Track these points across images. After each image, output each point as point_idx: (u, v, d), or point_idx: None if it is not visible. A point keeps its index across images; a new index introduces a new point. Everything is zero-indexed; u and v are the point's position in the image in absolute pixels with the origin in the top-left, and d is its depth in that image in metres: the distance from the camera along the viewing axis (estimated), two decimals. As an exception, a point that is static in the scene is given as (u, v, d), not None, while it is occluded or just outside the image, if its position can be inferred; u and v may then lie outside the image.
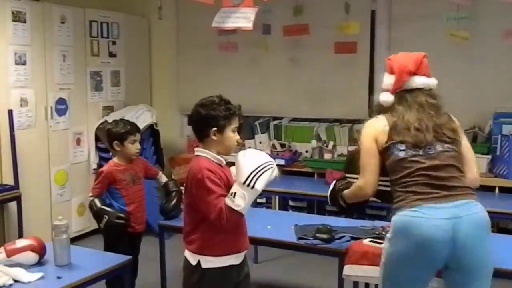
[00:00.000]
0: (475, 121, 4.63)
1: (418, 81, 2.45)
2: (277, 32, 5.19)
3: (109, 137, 3.46)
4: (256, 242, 3.40)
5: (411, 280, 2.30)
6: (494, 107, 4.50)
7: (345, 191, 2.70)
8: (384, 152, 2.39)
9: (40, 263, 2.74)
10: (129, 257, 2.90)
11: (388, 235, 2.34)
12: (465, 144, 2.45)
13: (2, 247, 2.74)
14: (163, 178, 3.70)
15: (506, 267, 2.55)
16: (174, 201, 3.55)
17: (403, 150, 2.33)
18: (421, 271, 2.28)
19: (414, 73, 2.44)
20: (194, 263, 2.37)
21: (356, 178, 2.56)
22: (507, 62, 4.51)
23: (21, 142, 4.48)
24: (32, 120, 4.65)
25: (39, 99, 4.70)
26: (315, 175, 5.02)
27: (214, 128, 2.35)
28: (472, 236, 2.20)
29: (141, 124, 4.76)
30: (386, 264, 2.34)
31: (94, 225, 3.94)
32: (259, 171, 2.22)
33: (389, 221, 3.39)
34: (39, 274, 2.58)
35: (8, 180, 4.40)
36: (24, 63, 4.55)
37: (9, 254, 2.68)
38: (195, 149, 2.44)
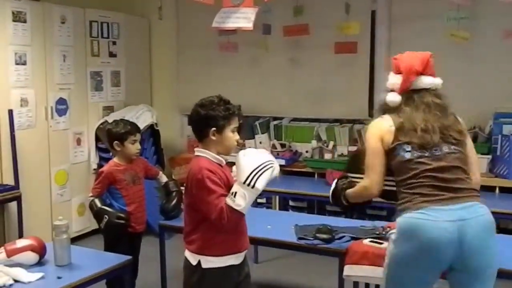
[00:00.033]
0: (475, 121, 4.63)
1: (425, 81, 2.43)
2: (277, 32, 5.19)
3: (110, 137, 3.46)
4: (257, 242, 3.40)
5: (416, 281, 2.29)
6: (494, 107, 4.50)
7: (349, 191, 2.68)
8: (390, 153, 2.37)
9: (40, 263, 2.74)
10: (129, 257, 2.90)
11: (393, 236, 2.32)
12: (470, 146, 2.44)
13: (2, 247, 2.74)
14: (164, 178, 3.70)
15: (507, 268, 2.54)
16: (174, 201, 3.55)
17: (409, 151, 2.32)
18: (426, 273, 2.27)
19: (421, 73, 2.42)
20: (194, 263, 2.37)
21: (360, 178, 2.55)
22: (507, 62, 4.51)
23: (22, 142, 4.48)
24: (32, 120, 4.65)
25: (39, 99, 4.70)
26: (315, 175, 5.02)
27: (213, 128, 2.35)
28: (478, 238, 2.19)
29: (141, 124, 4.76)
30: (390, 265, 2.33)
31: (94, 225, 3.94)
32: (259, 170, 2.22)
33: (389, 221, 3.40)
34: (39, 274, 2.58)
35: (8, 180, 4.40)
36: (24, 63, 4.56)
37: (9, 254, 2.69)
38: (195, 149, 2.44)
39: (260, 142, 5.49)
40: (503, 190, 4.27)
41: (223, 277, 2.38)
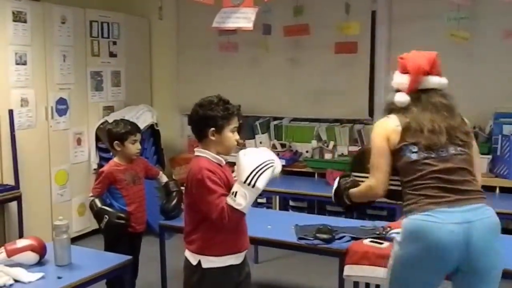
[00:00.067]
0: (476, 121, 4.62)
1: (433, 81, 2.41)
2: (278, 32, 5.19)
3: (110, 137, 3.46)
4: (257, 242, 3.40)
5: (420, 283, 2.28)
6: (495, 107, 4.50)
7: (352, 190, 2.65)
8: (396, 153, 2.35)
9: (40, 263, 2.74)
10: (129, 257, 2.90)
11: (398, 238, 2.30)
12: (475, 147, 2.42)
13: (2, 247, 2.75)
14: (164, 178, 3.70)
15: (510, 268, 2.52)
16: (174, 201, 3.56)
17: (416, 152, 2.29)
18: (431, 275, 2.25)
19: (428, 73, 2.40)
20: (194, 263, 2.37)
21: (364, 177, 2.53)
22: (507, 62, 4.51)
23: (22, 142, 4.48)
24: (33, 120, 4.66)
25: (39, 99, 4.71)
26: (316, 175, 5.02)
27: (212, 128, 2.35)
28: (484, 240, 2.18)
29: (142, 124, 4.76)
30: (395, 267, 2.31)
31: (95, 225, 3.94)
32: (259, 170, 2.22)
33: (390, 221, 3.40)
34: (40, 274, 2.58)
35: (9, 180, 4.40)
36: (24, 63, 4.56)
37: (10, 254, 2.69)
38: (195, 149, 2.44)
39: (260, 142, 5.49)
40: (503, 190, 4.27)
41: (224, 277, 2.38)
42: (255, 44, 5.29)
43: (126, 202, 3.39)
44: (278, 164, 2.33)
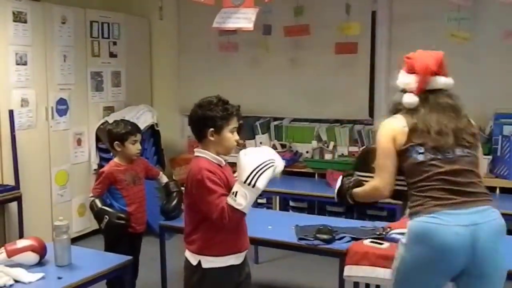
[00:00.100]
0: (476, 121, 4.57)
1: (440, 81, 2.39)
2: (278, 33, 5.19)
3: (110, 138, 3.46)
4: (257, 242, 3.40)
5: (425, 286, 2.26)
6: (495, 108, 4.50)
7: (356, 190, 2.60)
8: (402, 154, 2.32)
9: (40, 263, 2.74)
10: (129, 257, 2.90)
11: (403, 240, 2.29)
12: (480, 149, 2.41)
13: (2, 248, 2.75)
14: (164, 179, 3.70)
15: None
16: (174, 202, 3.56)
17: (422, 153, 2.27)
18: (436, 278, 2.24)
19: (436, 73, 2.38)
20: (194, 263, 2.37)
21: (369, 177, 2.50)
22: (507, 63, 4.51)
23: (22, 142, 4.48)
24: (33, 121, 4.66)
25: (39, 100, 4.71)
26: (316, 176, 5.02)
27: (211, 129, 2.35)
28: (491, 242, 2.18)
29: (142, 125, 4.76)
30: (399, 269, 2.30)
31: (95, 226, 3.95)
32: (260, 169, 2.22)
33: (390, 221, 3.40)
34: (40, 275, 2.58)
35: (9, 180, 4.40)
36: (25, 64, 4.56)
37: (10, 254, 2.69)
38: (195, 149, 2.44)
39: (261, 143, 5.49)
40: (504, 190, 4.26)
41: (224, 277, 2.38)
42: (256, 44, 5.29)
43: (126, 202, 3.39)
44: (279, 163, 2.32)
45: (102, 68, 5.38)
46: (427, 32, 4.61)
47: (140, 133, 3.56)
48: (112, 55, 5.48)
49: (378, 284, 3.17)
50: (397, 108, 2.43)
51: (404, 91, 2.42)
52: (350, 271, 2.85)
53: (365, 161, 2.66)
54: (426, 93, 2.37)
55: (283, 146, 5.39)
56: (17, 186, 4.38)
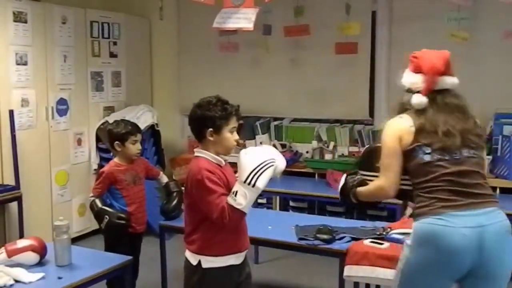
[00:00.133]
0: (476, 121, 4.63)
1: (448, 81, 2.36)
2: (278, 33, 5.19)
3: (110, 138, 3.46)
4: (257, 242, 3.40)
5: (430, 287, 2.25)
6: (495, 108, 4.50)
7: (360, 189, 2.57)
8: (408, 154, 2.30)
9: (41, 263, 2.74)
10: (129, 257, 2.90)
11: (408, 241, 2.27)
12: (485, 151, 2.41)
13: (3, 247, 2.75)
14: (164, 179, 3.70)
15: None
16: (175, 202, 3.56)
17: (429, 153, 2.25)
18: (441, 280, 2.22)
19: (443, 73, 2.35)
20: (194, 263, 2.37)
21: (373, 176, 2.48)
22: (507, 63, 4.51)
23: (22, 142, 4.48)
24: (33, 121, 4.66)
25: (40, 100, 4.71)
26: (316, 176, 5.02)
27: (211, 129, 2.35)
28: (497, 244, 2.17)
29: (142, 125, 4.76)
30: (404, 271, 2.28)
31: (95, 226, 3.95)
32: (260, 169, 2.21)
33: (390, 221, 3.40)
34: (40, 274, 2.58)
35: (9, 180, 4.40)
36: (25, 64, 4.56)
37: (10, 254, 2.69)
38: (194, 150, 2.44)
39: (261, 143, 5.48)
40: (504, 190, 4.26)
41: (224, 277, 2.38)
42: (256, 44, 5.29)
43: (126, 202, 3.39)
44: (280, 162, 2.32)
45: (102, 68, 5.38)
46: (427, 32, 4.61)
47: (140, 133, 3.56)
48: (112, 55, 5.48)
49: (378, 284, 3.17)
50: (405, 109, 2.39)
51: (409, 90, 2.39)
52: (350, 271, 2.84)
53: (368, 160, 2.62)
54: (433, 93, 2.34)
55: (283, 146, 5.39)
56: (17, 186, 4.38)
